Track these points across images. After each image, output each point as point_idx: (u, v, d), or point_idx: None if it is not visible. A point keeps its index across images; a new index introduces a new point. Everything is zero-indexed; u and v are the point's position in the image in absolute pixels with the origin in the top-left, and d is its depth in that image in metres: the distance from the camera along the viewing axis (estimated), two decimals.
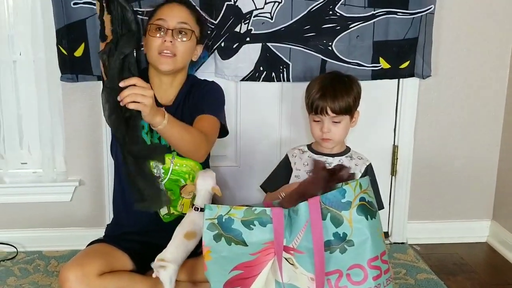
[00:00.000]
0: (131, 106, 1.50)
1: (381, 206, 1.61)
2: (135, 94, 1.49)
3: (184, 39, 1.81)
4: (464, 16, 2.19)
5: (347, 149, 1.90)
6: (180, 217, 1.92)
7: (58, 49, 2.02)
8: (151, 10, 1.88)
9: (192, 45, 1.85)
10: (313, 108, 1.82)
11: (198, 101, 1.88)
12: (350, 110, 1.82)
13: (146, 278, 1.80)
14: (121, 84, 1.50)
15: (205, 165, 1.95)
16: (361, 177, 1.85)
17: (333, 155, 1.87)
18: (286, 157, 1.91)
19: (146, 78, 1.86)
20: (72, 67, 2.04)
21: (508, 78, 2.26)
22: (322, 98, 1.80)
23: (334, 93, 1.80)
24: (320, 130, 1.82)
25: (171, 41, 1.78)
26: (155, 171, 1.86)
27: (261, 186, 1.92)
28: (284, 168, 1.89)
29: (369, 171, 1.87)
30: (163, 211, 1.90)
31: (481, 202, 2.38)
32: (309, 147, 1.91)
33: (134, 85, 1.49)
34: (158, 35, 1.79)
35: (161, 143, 1.86)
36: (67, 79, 2.06)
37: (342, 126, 1.83)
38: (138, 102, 1.49)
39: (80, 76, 2.05)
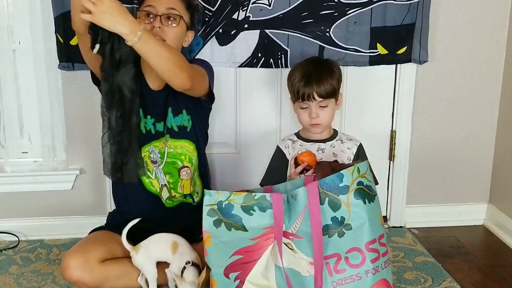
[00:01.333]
0: (85, 17, 1.48)
1: (375, 182, 1.63)
2: (84, 1, 1.46)
3: (174, 24, 1.82)
4: (460, 2, 2.19)
5: (335, 132, 1.93)
6: (182, 203, 1.94)
7: (56, 37, 2.02)
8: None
9: (182, 31, 1.85)
10: (300, 95, 1.83)
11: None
12: (335, 93, 1.85)
13: None
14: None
15: (199, 143, 1.95)
16: (354, 158, 1.88)
17: (324, 141, 1.89)
18: (279, 150, 1.92)
19: (138, 64, 1.86)
20: (68, 56, 2.04)
21: (504, 62, 2.27)
22: (307, 84, 1.82)
23: (318, 78, 1.82)
24: (309, 116, 1.84)
25: (159, 27, 1.79)
26: (151, 155, 1.87)
27: (261, 184, 1.91)
28: (280, 161, 1.90)
29: (360, 151, 1.91)
30: (164, 195, 1.92)
31: (478, 185, 2.40)
32: (298, 135, 1.93)
33: None
34: (147, 21, 1.80)
35: (156, 130, 1.88)
36: (64, 67, 2.06)
37: (329, 109, 1.86)
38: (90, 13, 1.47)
39: (76, 65, 2.05)
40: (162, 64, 1.62)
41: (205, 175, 2.02)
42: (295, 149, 1.88)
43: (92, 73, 1.85)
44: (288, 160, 1.88)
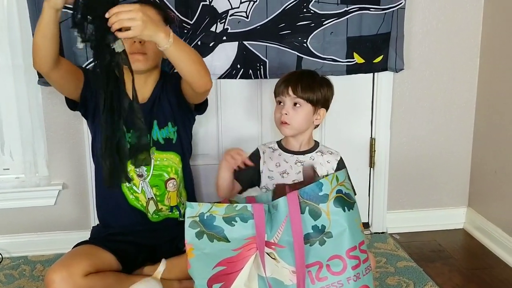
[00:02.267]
0: (122, 35, 1.46)
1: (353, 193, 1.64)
2: (121, 21, 1.44)
3: None
4: (434, 10, 2.24)
5: (316, 144, 1.89)
6: (167, 219, 1.95)
7: None
8: None
9: None
10: (277, 90, 1.82)
11: (178, 93, 1.86)
12: (313, 101, 1.80)
13: (132, 277, 1.81)
14: (106, 15, 1.44)
15: (184, 155, 1.96)
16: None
17: (303, 153, 1.85)
18: (257, 152, 1.88)
19: (109, 75, 1.85)
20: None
21: (478, 69, 2.32)
22: (286, 80, 1.81)
23: (300, 78, 1.81)
24: (280, 112, 1.80)
25: (140, 42, 1.80)
26: (137, 169, 1.88)
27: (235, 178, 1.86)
28: (253, 162, 1.84)
29: (341, 165, 1.87)
30: (151, 208, 1.93)
31: (457, 190, 2.44)
32: (279, 144, 1.89)
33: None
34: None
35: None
36: (44, 83, 2.05)
37: (302, 113, 1.79)
38: (129, 28, 1.45)
39: None
40: (191, 66, 1.63)
41: (190, 186, 2.03)
42: (272, 160, 1.86)
43: (67, 99, 1.86)
44: (260, 166, 1.84)
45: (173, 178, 1.93)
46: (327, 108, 1.86)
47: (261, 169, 1.84)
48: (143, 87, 1.90)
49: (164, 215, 1.95)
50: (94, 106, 1.85)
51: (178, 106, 1.89)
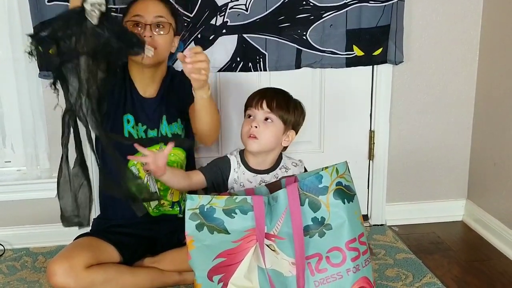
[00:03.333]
0: (195, 76, 1.62)
1: None
2: (204, 69, 1.62)
3: (162, 32, 1.84)
4: (433, 2, 2.24)
5: (279, 159, 1.82)
6: (167, 214, 1.97)
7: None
8: (124, 7, 1.90)
9: (171, 38, 1.88)
10: (250, 101, 1.77)
11: (186, 100, 1.88)
12: (285, 120, 1.75)
13: (133, 269, 1.85)
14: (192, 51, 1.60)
15: (189, 153, 1.99)
16: None
17: (267, 171, 1.80)
18: (228, 162, 1.81)
19: (126, 73, 1.89)
20: (48, 64, 2.05)
21: (477, 61, 2.32)
22: (260, 94, 1.77)
23: (274, 95, 1.78)
24: (249, 125, 1.74)
25: (150, 36, 1.81)
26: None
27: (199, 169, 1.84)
28: (223, 169, 1.81)
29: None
30: (153, 203, 1.93)
31: (456, 182, 2.44)
32: (242, 160, 1.81)
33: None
34: (136, 31, 1.82)
35: (147, 138, 1.90)
36: (44, 76, 2.06)
37: (273, 129, 1.74)
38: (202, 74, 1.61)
39: None
40: (210, 124, 1.81)
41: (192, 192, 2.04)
42: (245, 175, 1.79)
43: None
44: (230, 174, 1.79)
45: None
46: (296, 132, 1.82)
47: (231, 177, 1.79)
48: (151, 81, 1.92)
49: (164, 211, 1.96)
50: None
51: (185, 107, 1.92)
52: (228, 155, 1.84)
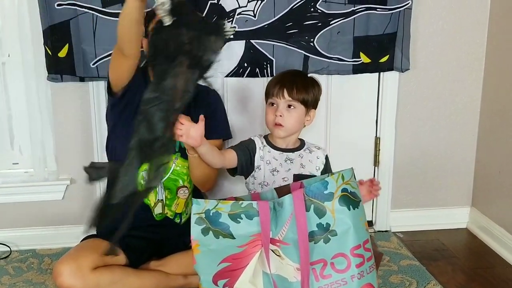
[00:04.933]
0: (182, 139, 1.64)
1: None
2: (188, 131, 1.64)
3: None
4: (440, 10, 2.25)
5: (303, 143, 1.90)
6: (171, 219, 1.98)
7: (45, 50, 2.05)
8: (151, 12, 1.90)
9: None
10: (270, 91, 1.83)
11: (211, 119, 1.89)
12: (306, 102, 1.82)
13: (139, 272, 1.85)
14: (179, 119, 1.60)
15: None
16: (323, 168, 1.88)
17: (292, 150, 1.86)
18: (253, 142, 1.86)
19: (146, 77, 1.90)
20: (57, 67, 2.07)
21: (483, 69, 2.33)
22: (280, 82, 1.82)
23: (292, 80, 1.83)
24: (274, 114, 1.81)
25: None
26: None
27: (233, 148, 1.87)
28: (250, 148, 1.85)
29: (327, 161, 1.91)
30: (157, 210, 1.95)
31: (461, 189, 2.45)
32: (267, 141, 1.87)
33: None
34: None
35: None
36: (52, 79, 2.09)
37: (296, 114, 1.81)
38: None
39: (65, 76, 2.08)
40: (202, 176, 1.89)
41: (198, 196, 2.05)
42: (270, 153, 1.85)
43: (108, 83, 1.87)
44: (256, 152, 1.84)
45: (186, 187, 1.96)
46: (316, 108, 1.88)
47: (257, 155, 1.83)
48: None
49: (166, 215, 1.98)
50: (127, 101, 1.87)
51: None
52: (252, 137, 1.89)
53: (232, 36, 1.57)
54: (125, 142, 1.84)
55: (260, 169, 1.83)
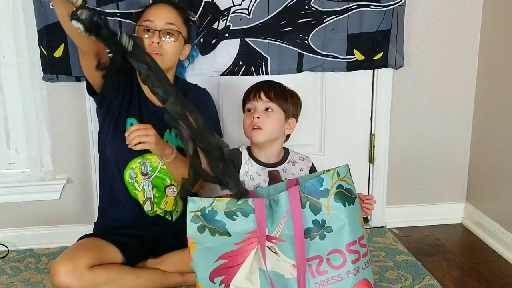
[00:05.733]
0: (138, 147, 1.69)
1: None
2: (139, 136, 1.68)
3: (171, 39, 1.85)
4: (433, 7, 2.26)
5: (286, 153, 1.83)
6: (160, 216, 1.98)
7: (40, 50, 2.06)
8: (139, 11, 1.92)
9: (180, 46, 1.89)
10: (247, 97, 1.79)
11: (201, 108, 1.92)
12: (284, 107, 1.76)
13: (136, 270, 1.86)
14: (126, 134, 1.69)
15: None
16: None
17: (274, 165, 1.80)
18: (239, 154, 1.81)
19: (136, 80, 1.91)
20: (52, 68, 2.07)
21: (477, 65, 2.34)
22: (256, 86, 1.79)
23: (270, 84, 1.80)
24: (251, 118, 1.75)
25: (158, 42, 1.83)
26: (142, 167, 1.91)
27: None
28: (237, 161, 1.79)
29: (313, 170, 1.84)
30: (146, 208, 1.95)
31: (455, 185, 2.46)
32: (250, 154, 1.81)
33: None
34: (146, 35, 1.83)
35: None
36: (48, 79, 2.09)
37: (275, 117, 1.75)
38: (144, 142, 1.70)
39: (61, 76, 2.09)
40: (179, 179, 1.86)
41: (193, 195, 2.06)
42: (253, 168, 1.80)
43: (88, 84, 1.88)
44: (242, 166, 1.79)
45: (173, 185, 1.95)
46: (296, 119, 1.83)
47: (242, 170, 1.79)
48: None
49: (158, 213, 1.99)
50: (110, 99, 1.88)
51: None
52: (240, 148, 1.84)
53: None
54: (114, 136, 1.87)
55: (244, 184, 1.75)
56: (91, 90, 1.88)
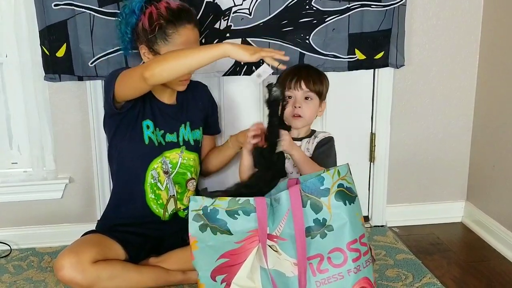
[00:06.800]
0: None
1: None
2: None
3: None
4: (434, 7, 2.26)
5: (313, 131, 1.97)
6: (178, 216, 2.00)
7: (42, 50, 2.06)
8: (164, 27, 1.85)
9: None
10: (287, 83, 1.87)
11: (212, 115, 2.10)
12: (320, 94, 1.90)
13: (139, 267, 1.87)
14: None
15: (200, 157, 2.06)
16: (317, 144, 1.91)
17: (300, 139, 1.93)
18: None
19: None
20: (55, 67, 2.07)
21: (477, 65, 2.34)
22: (296, 74, 1.88)
23: (307, 72, 1.91)
24: (292, 106, 1.87)
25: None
26: (163, 166, 1.93)
27: None
28: None
29: (324, 140, 1.92)
30: (170, 207, 1.97)
31: (456, 184, 2.46)
32: None
33: None
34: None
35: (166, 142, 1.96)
36: (50, 79, 2.09)
37: (313, 105, 1.90)
38: None
39: (63, 76, 2.09)
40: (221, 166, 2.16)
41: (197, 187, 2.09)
42: None
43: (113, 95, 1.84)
44: None
45: (193, 178, 2.00)
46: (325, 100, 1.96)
47: None
48: (169, 88, 1.95)
49: (178, 213, 2.00)
50: (126, 110, 1.89)
51: (205, 117, 2.07)
52: None
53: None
54: (132, 141, 1.88)
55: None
56: (113, 101, 1.85)
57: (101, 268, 1.76)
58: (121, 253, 1.84)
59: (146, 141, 1.90)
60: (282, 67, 1.72)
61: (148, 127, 1.91)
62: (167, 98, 1.98)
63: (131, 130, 1.90)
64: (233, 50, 1.66)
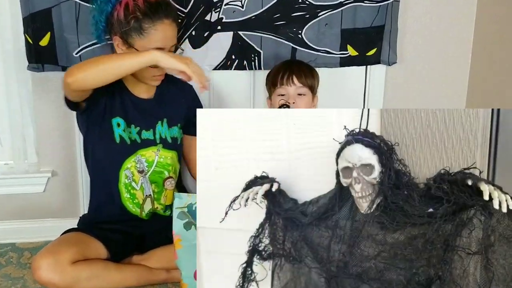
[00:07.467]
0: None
1: None
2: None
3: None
4: (427, 4, 2.24)
5: None
6: (156, 215, 1.96)
7: (25, 38, 2.00)
8: (140, 20, 1.77)
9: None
10: (279, 79, 1.84)
11: (191, 114, 1.85)
12: (313, 88, 1.88)
13: (120, 266, 1.84)
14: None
15: (179, 154, 2.00)
16: None
17: None
18: None
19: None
20: (38, 57, 2.02)
21: (470, 63, 2.33)
22: (288, 69, 1.86)
23: (299, 67, 1.88)
24: (285, 103, 1.84)
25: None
26: (138, 165, 1.88)
27: None
28: None
29: None
30: (147, 207, 1.92)
31: None
32: None
33: None
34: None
35: (142, 139, 1.90)
36: (33, 69, 2.03)
37: (306, 101, 1.87)
38: None
39: (46, 66, 2.04)
40: None
41: (181, 184, 2.06)
42: None
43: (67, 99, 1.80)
44: None
45: (171, 177, 1.94)
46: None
47: None
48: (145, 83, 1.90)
49: (156, 212, 1.96)
50: (92, 107, 1.83)
51: (184, 114, 1.98)
52: None
53: None
54: (102, 141, 1.85)
55: None
56: (70, 103, 1.80)
57: (81, 268, 1.72)
58: (102, 252, 1.81)
59: (117, 140, 1.85)
60: (203, 90, 1.68)
61: (118, 125, 1.84)
62: (144, 92, 1.91)
63: (99, 128, 1.84)
64: (162, 57, 1.64)
